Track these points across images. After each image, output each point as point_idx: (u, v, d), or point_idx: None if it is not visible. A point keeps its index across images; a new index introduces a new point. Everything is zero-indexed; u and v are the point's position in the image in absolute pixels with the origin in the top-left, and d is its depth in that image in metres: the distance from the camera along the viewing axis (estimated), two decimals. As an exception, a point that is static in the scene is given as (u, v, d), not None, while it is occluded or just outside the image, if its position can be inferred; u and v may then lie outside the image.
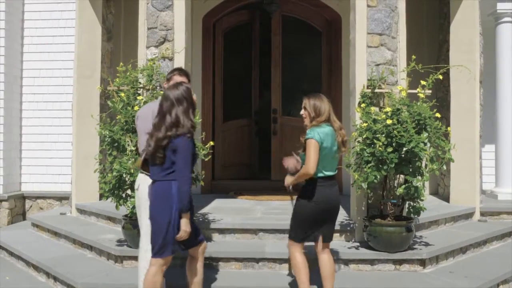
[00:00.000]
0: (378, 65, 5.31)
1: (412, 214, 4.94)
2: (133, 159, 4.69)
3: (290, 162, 4.13)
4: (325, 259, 4.14)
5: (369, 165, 4.71)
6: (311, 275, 4.12)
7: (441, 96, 7.14)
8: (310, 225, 4.08)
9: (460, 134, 6.30)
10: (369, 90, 5.20)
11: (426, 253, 4.91)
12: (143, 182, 3.96)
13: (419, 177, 4.72)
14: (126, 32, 7.62)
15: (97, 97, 6.67)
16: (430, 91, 5.06)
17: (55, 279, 4.99)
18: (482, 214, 6.44)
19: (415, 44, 6.76)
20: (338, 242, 5.13)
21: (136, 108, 4.77)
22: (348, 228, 5.27)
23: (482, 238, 5.69)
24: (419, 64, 5.11)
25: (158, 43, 5.47)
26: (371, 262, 4.88)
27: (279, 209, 6.19)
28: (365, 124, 4.80)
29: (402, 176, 4.97)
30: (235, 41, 8.58)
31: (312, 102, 4.11)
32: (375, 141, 4.64)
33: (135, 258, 4.13)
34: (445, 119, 6.67)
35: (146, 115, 4.01)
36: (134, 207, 4.49)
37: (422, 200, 4.85)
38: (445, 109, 6.85)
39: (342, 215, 5.23)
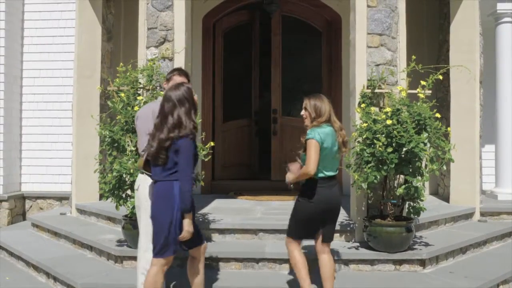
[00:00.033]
0: (378, 65, 5.31)
1: (412, 214, 4.94)
2: (133, 159, 4.70)
3: (294, 168, 4.14)
4: (325, 259, 4.15)
5: (369, 165, 4.71)
6: (311, 276, 4.13)
7: (441, 96, 7.14)
8: (309, 224, 4.10)
9: (460, 134, 6.30)
10: (369, 90, 5.20)
11: (426, 253, 4.91)
12: (143, 182, 3.97)
13: (419, 177, 4.72)
14: (126, 32, 7.62)
15: (97, 97, 6.68)
16: (430, 91, 5.06)
17: (55, 279, 4.99)
18: (482, 214, 6.44)
19: (415, 44, 6.76)
20: (338, 242, 5.13)
21: (136, 108, 4.77)
22: (348, 228, 5.27)
23: (482, 238, 5.70)
24: (419, 64, 5.11)
25: (158, 43, 5.47)
26: (371, 262, 4.88)
27: (279, 209, 6.19)
28: (365, 124, 4.80)
29: (402, 176, 4.97)
30: (235, 41, 8.58)
31: (312, 102, 4.11)
32: (375, 141, 4.64)
33: (135, 258, 4.13)
34: (445, 119, 6.68)
35: (146, 115, 4.01)
36: (134, 208, 4.49)
37: (422, 200, 4.85)
38: (445, 109, 6.85)
39: (342, 215, 5.23)
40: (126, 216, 5.01)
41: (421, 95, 4.96)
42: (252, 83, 8.78)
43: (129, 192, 4.88)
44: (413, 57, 5.11)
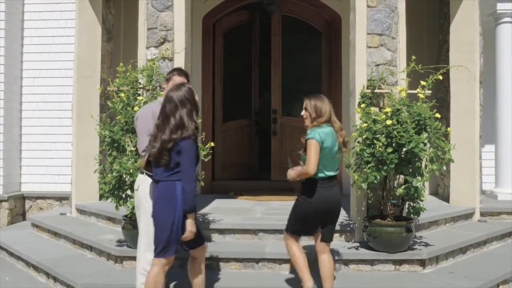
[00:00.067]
0: (378, 65, 5.31)
1: (412, 215, 4.94)
2: (132, 160, 4.70)
3: (296, 168, 4.16)
4: (325, 259, 4.15)
5: (369, 165, 4.72)
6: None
7: (441, 97, 7.14)
8: (307, 222, 4.14)
9: (460, 135, 6.30)
10: (369, 91, 5.20)
11: (426, 254, 4.91)
12: (143, 182, 3.97)
13: (419, 178, 4.72)
14: (126, 32, 7.62)
15: (97, 97, 6.68)
16: (430, 92, 5.06)
17: (55, 279, 4.99)
18: (482, 214, 6.44)
19: (415, 45, 6.76)
20: (338, 242, 5.13)
21: (136, 108, 4.77)
22: (348, 229, 5.28)
23: (482, 238, 5.70)
24: (419, 65, 5.11)
25: (158, 43, 5.47)
26: (371, 262, 4.88)
27: (279, 210, 6.18)
28: (365, 125, 4.81)
29: (402, 176, 4.97)
30: (235, 41, 8.58)
31: (313, 102, 4.12)
32: (375, 141, 4.64)
33: (135, 258, 4.13)
34: (445, 120, 6.67)
35: (146, 116, 4.01)
36: (134, 208, 4.49)
37: (422, 201, 4.85)
38: (445, 110, 6.85)
39: (342, 215, 5.23)
40: (126, 216, 5.01)
41: (421, 95, 4.96)
42: (252, 83, 8.78)
43: (129, 192, 4.88)
44: (413, 57, 5.11)
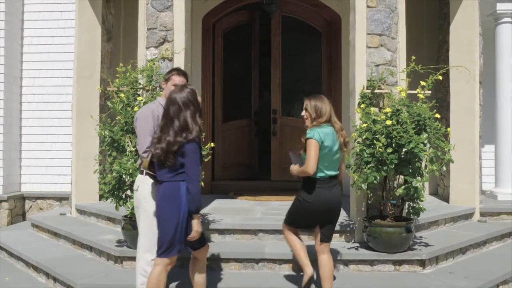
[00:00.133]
0: (377, 65, 5.31)
1: (411, 215, 4.94)
2: (132, 160, 4.70)
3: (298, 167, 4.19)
4: (324, 259, 4.16)
5: (368, 165, 4.72)
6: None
7: (441, 97, 7.14)
8: (304, 220, 4.22)
9: (460, 135, 6.30)
10: (369, 91, 5.20)
11: (426, 254, 4.91)
12: (143, 183, 3.97)
13: (419, 178, 4.72)
14: (126, 32, 7.61)
15: (97, 97, 6.67)
16: (429, 92, 5.06)
17: (55, 279, 4.99)
18: (481, 214, 6.44)
19: (414, 45, 6.76)
20: (338, 242, 5.13)
21: (135, 109, 4.77)
22: (348, 229, 5.27)
23: (482, 238, 5.70)
24: (418, 65, 5.12)
25: (157, 43, 5.47)
26: (371, 262, 4.88)
27: (279, 210, 6.17)
28: (364, 125, 4.81)
29: (401, 176, 4.96)
30: (235, 41, 8.58)
31: (313, 103, 4.13)
32: (375, 141, 4.64)
33: (135, 258, 4.13)
34: (445, 120, 6.67)
35: (145, 116, 4.00)
36: (133, 208, 4.49)
37: (421, 201, 4.85)
38: (445, 110, 6.85)
39: (342, 216, 5.22)
40: (125, 216, 5.01)
41: (421, 96, 4.96)
42: (252, 83, 8.79)
43: (128, 192, 4.88)
44: (413, 57, 5.11)
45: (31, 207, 8.04)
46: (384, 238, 4.83)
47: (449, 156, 4.81)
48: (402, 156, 4.67)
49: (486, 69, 6.90)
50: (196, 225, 3.66)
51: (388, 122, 4.67)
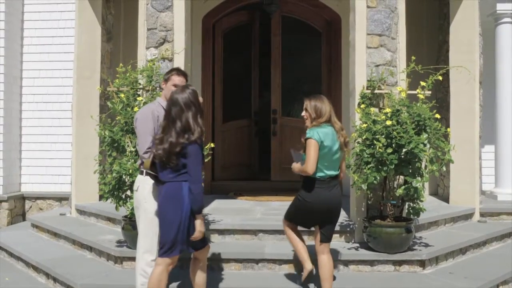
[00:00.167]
0: (377, 66, 5.31)
1: (411, 215, 4.94)
2: (132, 160, 4.70)
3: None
4: (324, 259, 4.16)
5: (368, 166, 4.72)
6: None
7: (441, 97, 7.14)
8: (303, 218, 4.26)
9: (460, 135, 6.30)
10: (369, 91, 5.20)
11: (426, 254, 4.91)
12: (142, 183, 3.96)
13: (419, 178, 4.72)
14: (126, 32, 7.61)
15: (97, 97, 6.67)
16: (429, 92, 5.06)
17: (55, 280, 4.99)
18: (481, 214, 6.44)
19: (414, 45, 6.76)
20: (337, 243, 5.13)
21: (135, 109, 4.77)
22: (348, 229, 5.27)
23: (482, 239, 5.69)
24: (418, 65, 5.12)
25: (157, 44, 5.47)
26: (371, 263, 4.88)
27: (278, 210, 6.17)
28: (364, 125, 4.81)
29: (401, 177, 4.96)
30: (235, 41, 8.58)
31: (313, 103, 4.14)
32: (375, 142, 4.64)
33: (135, 259, 4.13)
34: (445, 120, 6.67)
35: (145, 116, 4.00)
36: (133, 208, 4.49)
37: (421, 201, 4.85)
38: (445, 110, 6.85)
39: (342, 216, 5.23)
40: (125, 216, 5.01)
41: (421, 96, 4.96)
42: (252, 84, 8.79)
43: (128, 193, 4.89)
44: (413, 57, 5.11)
45: (31, 207, 8.04)
46: (384, 238, 4.83)
47: (449, 157, 4.81)
48: (402, 156, 4.67)
49: (486, 69, 6.90)
50: (199, 225, 3.68)
51: (388, 123, 4.67)
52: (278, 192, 7.58)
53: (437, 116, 4.93)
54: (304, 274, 4.26)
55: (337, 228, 4.88)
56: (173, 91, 3.83)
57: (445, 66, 5.86)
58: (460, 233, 5.74)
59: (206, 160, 4.92)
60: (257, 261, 4.91)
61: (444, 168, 4.96)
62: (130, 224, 4.90)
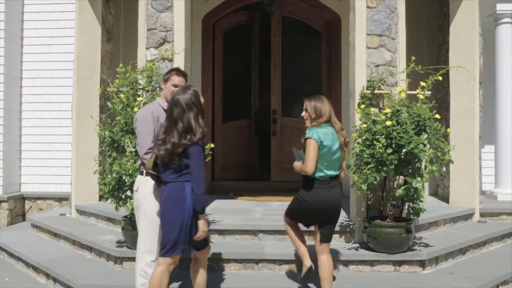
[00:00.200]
0: (377, 66, 5.31)
1: (411, 215, 4.94)
2: (132, 161, 4.70)
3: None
4: (324, 260, 4.16)
5: (368, 166, 4.72)
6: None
7: (441, 97, 7.14)
8: (303, 217, 4.28)
9: (460, 135, 6.30)
10: (369, 91, 5.20)
11: (426, 254, 4.91)
12: (143, 183, 3.96)
13: (419, 178, 4.72)
14: (126, 33, 7.62)
15: (97, 98, 6.67)
16: (429, 92, 5.07)
17: (55, 280, 4.99)
18: (481, 215, 6.44)
19: (414, 45, 6.76)
20: (337, 243, 5.14)
21: (135, 109, 4.77)
22: (348, 229, 5.28)
23: (482, 239, 5.70)
24: (418, 65, 5.12)
25: (157, 44, 5.47)
26: (371, 263, 4.88)
27: (278, 210, 6.16)
28: (364, 125, 4.81)
29: (401, 177, 4.97)
30: (234, 42, 8.58)
31: (313, 103, 4.15)
32: (375, 142, 4.65)
33: (135, 259, 4.13)
34: (445, 120, 6.67)
35: (145, 117, 4.00)
36: (133, 209, 4.49)
37: (421, 201, 4.85)
38: (445, 110, 6.85)
39: (341, 216, 5.23)
40: (125, 217, 5.01)
41: (421, 96, 4.96)
42: (252, 84, 8.79)
43: (128, 193, 4.89)
44: (413, 58, 5.11)
45: (31, 207, 8.04)
46: (384, 238, 4.83)
47: (449, 157, 4.81)
48: (402, 156, 4.67)
49: (486, 69, 6.90)
50: (202, 225, 3.69)
51: (388, 123, 4.67)
52: (278, 192, 7.58)
53: (437, 116, 4.93)
54: (303, 270, 4.28)
55: (337, 228, 4.88)
56: (174, 92, 3.83)
57: (445, 67, 5.86)
58: (460, 233, 5.74)
59: (206, 160, 4.92)
60: (257, 261, 4.91)
61: (444, 169, 4.96)
62: (130, 225, 4.90)
